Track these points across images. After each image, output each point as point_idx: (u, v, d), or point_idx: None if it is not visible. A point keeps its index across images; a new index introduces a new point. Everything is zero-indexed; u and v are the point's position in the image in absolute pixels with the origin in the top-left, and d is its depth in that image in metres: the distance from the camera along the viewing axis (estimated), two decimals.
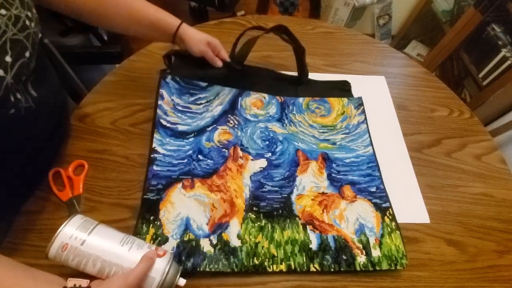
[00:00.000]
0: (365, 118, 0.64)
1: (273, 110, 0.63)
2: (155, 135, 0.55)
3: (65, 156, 0.55)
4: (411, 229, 0.53)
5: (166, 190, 0.50)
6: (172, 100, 0.58)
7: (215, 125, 0.58)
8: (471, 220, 0.55)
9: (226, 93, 0.62)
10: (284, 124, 0.61)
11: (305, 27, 0.83)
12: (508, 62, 1.20)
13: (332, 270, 0.47)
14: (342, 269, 0.47)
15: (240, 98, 0.63)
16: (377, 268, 0.47)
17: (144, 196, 0.50)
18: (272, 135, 0.59)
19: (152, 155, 0.53)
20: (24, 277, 0.34)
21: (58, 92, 0.54)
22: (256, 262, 0.46)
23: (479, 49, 1.35)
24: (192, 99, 0.60)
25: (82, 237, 0.36)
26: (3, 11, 0.37)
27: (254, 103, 0.63)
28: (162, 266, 0.37)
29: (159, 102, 0.57)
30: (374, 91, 0.72)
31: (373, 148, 0.60)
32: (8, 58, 0.37)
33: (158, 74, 0.59)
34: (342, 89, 0.69)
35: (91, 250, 0.36)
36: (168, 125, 0.56)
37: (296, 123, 0.62)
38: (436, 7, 1.60)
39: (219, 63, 0.58)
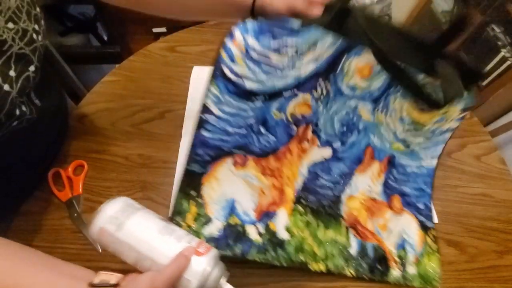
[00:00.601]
0: (457, 127, 0.52)
1: (378, 83, 0.45)
2: (210, 86, 0.39)
3: (65, 157, 0.55)
4: None
5: (212, 163, 0.42)
6: (245, 41, 0.37)
7: (296, 90, 0.43)
8: (471, 220, 0.55)
9: (328, 45, 0.40)
10: (376, 108, 0.48)
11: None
12: (508, 63, 1.20)
13: (365, 277, 0.46)
14: (375, 279, 0.47)
15: (346, 56, 0.42)
16: (409, 284, 0.47)
17: (187, 167, 0.41)
18: (355, 119, 0.48)
19: (202, 115, 0.40)
20: (47, 271, 0.31)
21: (59, 97, 0.54)
22: (302, 259, 0.44)
23: (479, 49, 1.35)
24: (275, 44, 0.38)
25: (118, 223, 0.32)
26: (10, 25, 0.36)
27: (361, 69, 0.43)
28: (201, 267, 0.31)
29: (227, 41, 0.38)
30: None
31: (437, 162, 0.54)
32: (12, 73, 0.36)
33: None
34: (469, 80, 0.48)
35: (126, 239, 0.31)
36: (232, 76, 0.39)
37: (389, 111, 0.48)
38: (435, 7, 1.60)
39: (318, 11, 0.40)
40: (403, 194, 0.52)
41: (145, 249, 0.31)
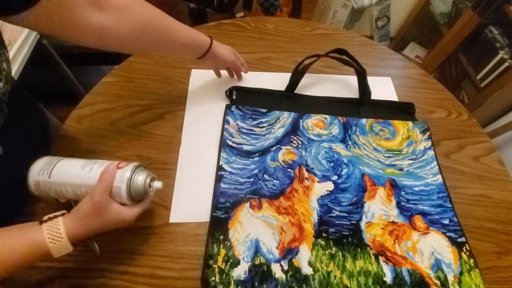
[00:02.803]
0: (432, 144, 0.62)
1: (335, 130, 0.62)
2: (221, 154, 0.56)
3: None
4: None
5: (234, 209, 0.50)
6: (237, 124, 0.61)
7: (278, 145, 0.59)
8: (469, 221, 0.55)
9: (286, 117, 0.63)
10: (348, 146, 0.60)
11: (304, 29, 0.84)
12: (506, 64, 1.21)
13: None
14: None
15: (301, 120, 0.63)
16: None
17: (213, 214, 0.50)
18: (337, 156, 0.58)
19: (219, 173, 0.54)
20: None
21: (33, 130, 0.52)
22: None
23: (477, 51, 1.36)
24: (254, 123, 0.62)
25: (47, 172, 0.39)
26: None
27: (316, 124, 0.62)
28: (125, 174, 0.38)
29: (225, 126, 0.60)
30: (381, 92, 0.71)
31: (442, 177, 0.58)
32: None
33: (224, 109, 0.63)
34: (406, 112, 0.68)
35: (58, 180, 0.39)
36: (234, 145, 0.58)
37: (360, 145, 0.60)
38: (434, 9, 1.61)
39: (245, 70, 0.67)
40: (423, 213, 0.53)
41: (77, 180, 0.39)
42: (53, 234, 0.34)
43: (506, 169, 0.63)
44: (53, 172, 0.39)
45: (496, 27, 1.29)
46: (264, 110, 0.63)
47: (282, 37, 0.80)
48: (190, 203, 0.52)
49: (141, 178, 0.39)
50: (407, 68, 0.80)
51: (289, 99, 0.67)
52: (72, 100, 0.68)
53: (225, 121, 0.61)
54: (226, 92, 0.66)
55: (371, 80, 0.68)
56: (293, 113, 0.63)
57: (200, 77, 0.70)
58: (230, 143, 0.58)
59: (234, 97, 0.66)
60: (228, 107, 0.63)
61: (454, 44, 1.42)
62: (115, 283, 0.45)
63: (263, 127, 0.61)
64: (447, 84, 1.04)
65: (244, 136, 0.59)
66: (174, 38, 0.52)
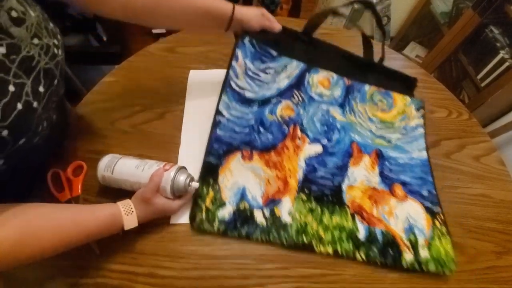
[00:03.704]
0: (424, 123, 0.64)
1: (338, 92, 0.63)
2: (223, 97, 0.56)
3: (64, 157, 0.55)
4: None
5: (226, 157, 0.53)
6: (245, 63, 0.58)
7: (279, 98, 0.60)
8: (470, 221, 0.55)
9: (294, 67, 0.62)
10: (345, 111, 0.62)
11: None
12: (506, 64, 1.21)
13: (377, 262, 0.48)
14: (388, 263, 0.48)
15: (307, 74, 0.63)
16: (424, 269, 0.48)
17: (206, 159, 0.53)
18: (331, 120, 0.60)
19: (217, 118, 0.55)
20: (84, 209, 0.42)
21: (65, 108, 0.55)
22: (305, 240, 0.49)
23: (478, 50, 1.36)
24: (262, 66, 0.60)
25: (111, 169, 0.48)
26: (36, 41, 0.36)
27: (322, 82, 0.63)
28: (170, 176, 0.46)
29: (233, 63, 0.57)
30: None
31: (427, 154, 0.60)
32: (41, 88, 0.37)
33: (239, 35, 0.58)
34: (408, 86, 0.69)
35: (118, 176, 0.48)
36: (237, 89, 0.58)
37: (356, 113, 0.63)
38: (434, 8, 1.60)
39: (278, 26, 0.58)
40: (404, 183, 0.56)
41: (132, 178, 0.48)
42: (126, 208, 0.43)
43: (507, 169, 0.63)
44: (114, 169, 0.48)
45: (497, 27, 1.29)
46: (275, 54, 0.60)
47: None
48: (190, 203, 0.52)
49: (182, 178, 0.47)
50: (407, 67, 0.80)
51: (303, 43, 0.63)
52: (73, 99, 0.68)
53: (234, 56, 0.56)
54: (234, 34, 0.59)
55: None
56: (301, 64, 0.62)
57: (198, 78, 0.69)
58: (234, 85, 0.57)
59: (245, 35, 0.58)
60: (241, 38, 0.57)
61: (455, 43, 1.42)
62: (115, 282, 0.45)
63: (269, 73, 0.60)
64: (448, 83, 1.03)
65: (248, 80, 0.59)
66: (191, 8, 0.51)
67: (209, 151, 0.53)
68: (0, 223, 0.33)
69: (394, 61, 0.81)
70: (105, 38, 1.36)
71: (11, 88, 0.32)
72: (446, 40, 1.45)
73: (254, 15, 0.56)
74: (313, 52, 0.64)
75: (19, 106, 0.33)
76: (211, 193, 0.50)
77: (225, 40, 0.61)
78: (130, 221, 0.43)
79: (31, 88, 0.35)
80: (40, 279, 0.45)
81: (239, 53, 0.57)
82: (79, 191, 0.52)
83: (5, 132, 0.32)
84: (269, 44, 0.60)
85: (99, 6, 0.47)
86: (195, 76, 0.70)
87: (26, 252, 0.34)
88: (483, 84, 1.31)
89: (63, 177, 0.52)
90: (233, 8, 0.53)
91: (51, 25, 0.42)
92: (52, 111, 0.44)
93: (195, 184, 0.48)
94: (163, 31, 1.68)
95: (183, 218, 0.50)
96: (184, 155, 0.58)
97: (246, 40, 0.57)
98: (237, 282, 0.46)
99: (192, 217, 0.49)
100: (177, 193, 0.47)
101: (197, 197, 0.50)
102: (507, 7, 1.19)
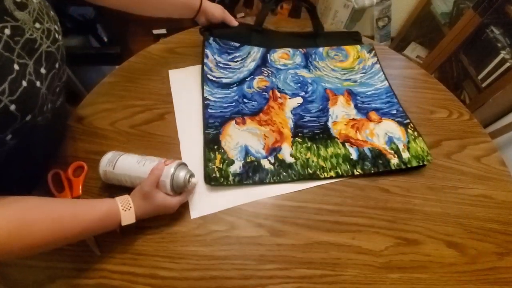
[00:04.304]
0: (378, 60, 0.76)
1: (298, 59, 0.74)
2: (205, 87, 0.65)
3: (64, 158, 0.55)
4: (411, 231, 0.53)
5: (222, 126, 0.60)
6: (215, 58, 0.69)
7: (252, 76, 0.69)
8: (471, 222, 0.55)
9: (256, 51, 0.73)
10: (310, 70, 0.73)
11: (304, 29, 0.83)
12: (507, 64, 1.20)
13: (372, 172, 0.57)
14: (380, 170, 0.57)
15: (268, 54, 0.73)
16: (408, 165, 0.58)
17: (205, 131, 0.59)
18: (302, 78, 0.70)
19: (205, 102, 0.63)
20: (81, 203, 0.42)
21: (66, 105, 0.57)
22: (310, 171, 0.57)
23: (478, 51, 1.35)
24: (229, 57, 0.71)
25: (112, 165, 0.49)
26: (37, 25, 0.39)
27: (281, 56, 0.74)
28: (170, 171, 0.46)
29: (205, 60, 0.68)
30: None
31: (388, 82, 0.72)
32: (43, 70, 0.39)
33: (202, 36, 0.70)
34: (354, 39, 0.80)
35: (120, 171, 0.48)
36: (214, 79, 0.67)
37: (320, 68, 0.73)
38: (435, 9, 1.60)
39: (235, 23, 0.73)
40: (376, 109, 0.67)
41: (133, 173, 0.48)
42: (124, 203, 0.43)
43: (508, 170, 0.63)
44: (116, 165, 0.49)
45: (498, 27, 1.29)
46: (237, 45, 0.72)
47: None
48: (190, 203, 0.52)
49: (182, 174, 0.47)
50: (408, 68, 0.80)
51: (257, 33, 0.75)
52: (73, 100, 0.68)
53: (204, 55, 0.68)
54: (200, 29, 0.72)
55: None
56: (261, 49, 0.73)
57: (178, 76, 0.70)
58: (211, 77, 0.67)
59: (210, 34, 0.71)
60: (206, 39, 0.69)
61: (455, 44, 1.42)
62: (115, 283, 0.45)
63: (237, 61, 0.71)
64: (448, 84, 1.03)
65: (221, 71, 0.68)
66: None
67: (206, 125, 0.60)
68: None
69: (395, 62, 0.81)
70: (105, 39, 1.36)
71: (16, 66, 0.35)
72: (446, 40, 1.45)
73: (216, 9, 0.69)
74: (267, 38, 0.76)
75: (24, 83, 0.35)
76: (218, 156, 0.56)
77: None
78: (128, 217, 0.43)
79: (33, 69, 0.37)
80: (40, 280, 0.45)
81: (207, 52, 0.69)
82: (80, 191, 0.52)
83: (13, 107, 0.34)
84: (229, 38, 0.71)
85: None
86: (175, 75, 0.70)
87: (22, 243, 0.34)
88: (484, 85, 1.31)
89: (63, 177, 0.52)
90: (201, 1, 0.66)
91: (52, 12, 0.43)
92: (57, 96, 0.45)
93: (195, 180, 0.49)
94: (164, 31, 1.68)
95: (205, 209, 0.52)
96: (186, 153, 0.58)
97: (211, 40, 0.70)
98: (237, 283, 0.46)
99: (208, 178, 0.53)
100: (177, 189, 0.47)
101: (207, 161, 0.55)
102: (507, 7, 1.19)
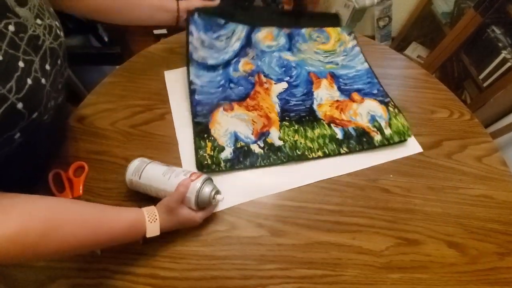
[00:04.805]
0: (357, 43, 0.78)
1: (282, 40, 0.75)
2: (190, 69, 0.64)
3: (65, 158, 0.55)
4: (412, 231, 0.53)
5: (211, 114, 0.61)
6: (200, 36, 0.66)
7: (237, 58, 0.70)
8: (471, 222, 0.55)
9: (240, 30, 0.71)
10: (294, 52, 0.74)
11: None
12: (508, 64, 1.20)
13: (357, 149, 0.60)
14: (364, 147, 0.60)
15: (252, 34, 0.73)
16: (391, 141, 0.61)
17: (194, 120, 0.60)
18: (286, 62, 0.72)
19: (191, 87, 0.63)
20: (108, 209, 0.42)
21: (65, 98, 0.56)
22: (299, 153, 0.59)
23: (479, 51, 1.35)
24: (215, 35, 0.69)
25: (138, 174, 0.49)
26: (39, 21, 0.38)
27: (266, 37, 0.74)
28: (196, 187, 0.46)
29: (190, 38, 0.65)
30: None
31: (368, 64, 0.75)
32: (48, 66, 0.39)
33: (186, 15, 0.65)
34: (335, 21, 0.82)
35: (145, 182, 0.48)
36: (199, 60, 0.66)
37: (303, 51, 0.75)
38: (436, 8, 1.60)
39: (217, 1, 0.70)
40: (358, 90, 0.70)
41: (158, 185, 0.48)
42: (151, 215, 0.43)
43: (509, 170, 0.62)
44: (142, 175, 0.49)
45: (499, 26, 1.29)
46: (222, 22, 0.70)
47: None
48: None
49: (207, 190, 0.47)
50: (408, 68, 0.80)
51: (241, 10, 0.74)
52: (74, 100, 0.68)
53: (189, 33, 0.65)
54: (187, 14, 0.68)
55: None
56: (246, 27, 0.72)
57: (173, 76, 0.70)
58: (196, 57, 0.66)
59: (194, 12, 0.68)
60: (191, 15, 0.66)
61: (456, 44, 1.41)
62: (116, 283, 0.45)
63: (222, 40, 0.69)
64: (449, 84, 1.03)
65: (207, 50, 0.67)
66: (144, 8, 0.61)
67: (195, 114, 0.61)
68: (27, 214, 0.33)
69: (396, 62, 0.81)
70: (106, 39, 1.36)
71: (21, 64, 0.34)
72: (447, 40, 1.44)
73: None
74: (251, 15, 0.75)
75: (29, 81, 0.35)
76: (209, 144, 0.57)
77: None
78: (153, 229, 0.43)
79: (39, 65, 0.37)
80: (40, 280, 0.45)
81: (192, 28, 0.65)
82: (80, 191, 0.52)
83: (20, 105, 0.34)
84: (214, 14, 0.69)
85: (73, 2, 0.53)
86: (170, 75, 0.70)
87: (50, 246, 0.34)
88: (485, 85, 1.30)
89: (64, 177, 0.52)
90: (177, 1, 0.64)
91: (51, 9, 0.43)
92: (59, 92, 0.45)
93: (220, 197, 0.48)
94: (164, 31, 1.68)
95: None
96: (184, 152, 0.58)
97: (196, 16, 0.66)
98: (238, 283, 0.46)
99: (200, 166, 0.55)
100: (201, 204, 0.47)
101: (198, 149, 0.56)
102: (509, 7, 1.19)
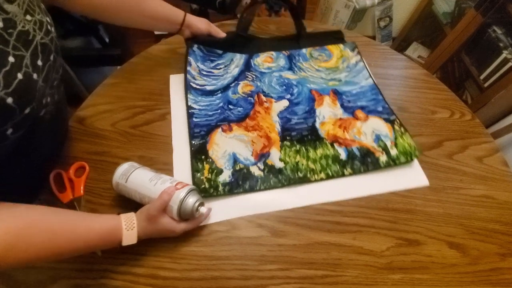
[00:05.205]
0: (361, 58, 0.75)
1: (282, 62, 0.73)
2: (188, 96, 0.64)
3: (66, 158, 0.56)
4: (413, 231, 0.53)
5: (209, 135, 0.59)
6: (198, 66, 0.68)
7: (236, 81, 0.68)
8: (473, 222, 0.55)
9: (239, 58, 0.72)
10: (295, 71, 0.72)
11: (288, 32, 0.83)
12: (510, 64, 1.20)
13: (362, 171, 0.57)
14: (369, 169, 0.57)
15: (251, 59, 0.73)
16: (397, 162, 0.58)
17: (191, 141, 0.58)
18: (287, 81, 0.69)
19: (190, 111, 0.62)
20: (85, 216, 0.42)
21: (64, 97, 0.56)
22: (300, 175, 0.56)
23: (480, 51, 1.35)
24: (212, 65, 0.70)
25: (125, 178, 0.48)
26: (28, 17, 0.38)
27: (265, 60, 0.73)
28: (179, 196, 0.45)
29: (188, 68, 0.67)
30: None
31: (372, 80, 0.71)
32: (39, 62, 0.39)
33: (185, 45, 0.68)
34: (337, 38, 0.80)
35: (131, 186, 0.47)
36: (198, 87, 0.66)
37: (304, 69, 0.73)
38: (436, 9, 1.60)
39: (223, 34, 0.70)
40: (362, 107, 0.67)
41: (143, 191, 0.47)
42: (128, 223, 0.42)
43: (510, 170, 0.62)
44: (128, 179, 0.48)
45: (500, 26, 1.28)
46: (220, 52, 0.72)
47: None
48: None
49: (191, 201, 0.45)
50: (409, 68, 0.80)
51: (240, 39, 0.75)
52: (74, 102, 0.68)
53: (187, 63, 0.67)
54: (186, 41, 0.70)
55: None
56: (244, 55, 0.73)
57: (178, 80, 0.68)
58: (194, 85, 0.66)
59: (194, 41, 0.70)
60: (190, 46, 0.68)
61: (457, 44, 1.41)
62: (116, 283, 0.45)
63: (220, 68, 0.70)
64: (450, 84, 1.03)
65: (205, 78, 0.68)
66: (148, 11, 0.60)
67: (192, 135, 0.59)
68: None
69: (396, 62, 0.81)
70: (107, 40, 1.36)
71: (11, 59, 0.34)
72: (448, 40, 1.44)
73: (201, 22, 0.66)
74: (250, 44, 0.75)
75: (20, 75, 0.35)
76: (206, 166, 0.55)
77: None
78: (130, 237, 0.42)
79: (30, 60, 0.37)
80: (42, 280, 0.45)
81: (191, 59, 0.68)
82: (81, 191, 0.52)
83: (9, 100, 0.34)
84: (213, 45, 0.71)
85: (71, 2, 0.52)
86: (175, 80, 0.69)
87: (19, 256, 0.34)
88: (486, 85, 1.30)
89: (65, 177, 0.53)
90: (184, 15, 0.64)
91: (42, 5, 0.43)
92: (55, 89, 0.45)
93: (203, 210, 0.47)
94: (165, 32, 1.69)
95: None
96: (178, 161, 0.57)
97: (195, 47, 0.69)
98: (238, 283, 0.46)
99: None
100: (184, 216, 0.45)
101: (195, 172, 0.54)
102: (510, 6, 1.18)
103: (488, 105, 1.28)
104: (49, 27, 0.42)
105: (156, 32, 1.72)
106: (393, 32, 1.85)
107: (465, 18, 1.33)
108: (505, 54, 1.22)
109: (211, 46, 0.71)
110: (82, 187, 0.52)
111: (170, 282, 0.46)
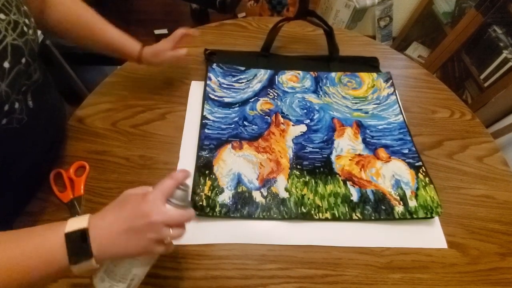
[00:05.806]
0: (394, 91, 0.70)
1: (308, 83, 0.69)
2: (205, 106, 0.62)
3: (66, 157, 0.56)
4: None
5: (217, 150, 0.57)
6: (218, 80, 0.67)
7: (256, 97, 0.65)
8: (473, 222, 0.55)
9: (263, 73, 0.70)
10: (320, 95, 0.67)
11: (305, 29, 0.83)
12: (510, 64, 1.20)
13: (372, 218, 0.52)
14: (381, 218, 0.51)
15: (276, 76, 0.70)
16: (414, 216, 0.51)
17: (198, 153, 0.56)
18: (309, 104, 0.66)
19: (203, 121, 0.60)
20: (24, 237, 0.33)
21: (57, 109, 0.54)
22: (304, 210, 0.51)
23: (481, 50, 1.35)
24: (234, 79, 0.68)
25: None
26: (2, 16, 0.37)
27: (290, 79, 0.70)
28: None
29: (208, 82, 0.65)
30: None
31: (403, 117, 0.65)
32: (6, 64, 0.36)
33: (204, 57, 0.68)
34: (371, 65, 0.75)
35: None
36: (216, 98, 0.64)
37: (330, 95, 0.68)
38: (437, 8, 1.60)
39: (183, 51, 0.61)
40: (386, 146, 0.61)
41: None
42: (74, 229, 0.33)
43: (510, 170, 0.62)
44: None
45: (500, 26, 1.28)
46: (243, 68, 0.69)
47: (284, 37, 0.80)
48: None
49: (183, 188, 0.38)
50: (409, 68, 0.80)
51: (264, 58, 0.73)
52: (75, 100, 0.68)
53: (207, 78, 0.66)
54: (205, 52, 0.69)
55: None
56: (269, 70, 0.70)
57: (198, 88, 0.67)
58: (213, 96, 0.64)
59: (213, 59, 0.69)
60: (209, 64, 0.67)
61: (457, 43, 1.41)
62: None
63: (242, 82, 0.68)
64: (450, 84, 1.03)
65: (225, 90, 0.66)
66: (101, 39, 0.55)
67: (200, 146, 0.57)
68: None
69: (396, 61, 0.81)
70: None
71: None
72: (448, 40, 1.44)
73: (160, 56, 0.59)
74: (275, 62, 0.72)
75: None
76: (208, 182, 0.52)
77: (226, 41, 0.61)
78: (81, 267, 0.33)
79: None
80: None
81: (211, 75, 0.67)
82: (82, 191, 0.52)
83: None
84: (235, 63, 0.69)
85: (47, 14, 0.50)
86: (196, 87, 0.68)
87: None
88: (486, 84, 1.30)
89: (65, 177, 0.52)
90: (141, 49, 0.58)
91: (25, 7, 0.41)
92: (27, 96, 0.43)
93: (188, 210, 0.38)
94: (165, 31, 1.69)
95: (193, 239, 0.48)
96: (185, 160, 0.57)
97: (214, 66, 0.68)
98: (238, 282, 0.46)
99: (194, 206, 0.49)
100: (177, 197, 0.38)
101: (195, 186, 0.51)
102: (510, 6, 1.18)
103: (488, 105, 1.28)
104: (25, 29, 0.39)
105: (156, 31, 1.72)
106: (393, 31, 1.84)
107: (466, 17, 1.33)
108: (505, 53, 1.21)
109: (232, 63, 0.69)
110: (82, 187, 0.52)
111: (170, 282, 0.46)
